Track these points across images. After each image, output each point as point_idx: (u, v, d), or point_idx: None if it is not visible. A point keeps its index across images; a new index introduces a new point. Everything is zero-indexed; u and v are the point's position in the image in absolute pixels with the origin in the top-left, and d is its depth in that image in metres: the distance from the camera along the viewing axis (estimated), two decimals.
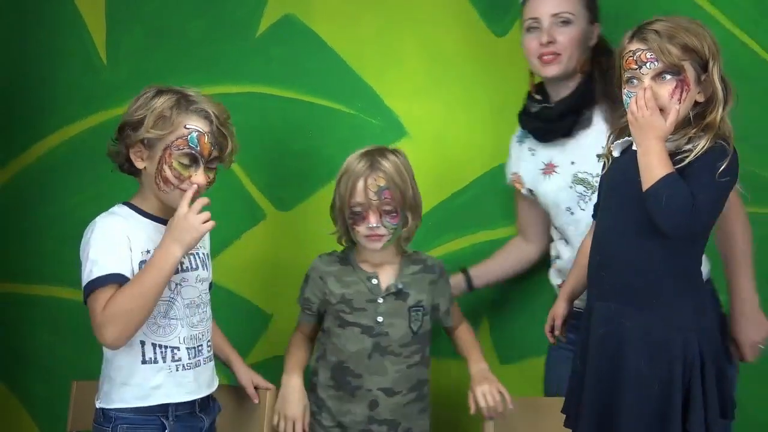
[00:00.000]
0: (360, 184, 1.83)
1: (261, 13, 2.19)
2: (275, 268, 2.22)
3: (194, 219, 1.61)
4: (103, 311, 1.58)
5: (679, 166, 1.59)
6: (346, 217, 1.87)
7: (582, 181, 1.95)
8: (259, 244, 2.22)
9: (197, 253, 1.75)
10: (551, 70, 1.94)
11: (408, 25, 2.19)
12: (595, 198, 1.85)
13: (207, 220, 1.62)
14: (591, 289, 1.72)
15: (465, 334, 2.00)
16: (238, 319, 2.20)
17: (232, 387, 1.92)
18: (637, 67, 1.62)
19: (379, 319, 1.87)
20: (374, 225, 1.83)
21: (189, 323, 1.71)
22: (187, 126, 1.66)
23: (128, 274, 1.62)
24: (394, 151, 1.89)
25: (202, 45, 2.19)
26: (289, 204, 2.21)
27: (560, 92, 1.98)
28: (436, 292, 1.93)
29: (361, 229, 1.85)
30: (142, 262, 1.65)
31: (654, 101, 1.60)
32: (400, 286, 1.89)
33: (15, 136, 2.22)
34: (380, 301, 1.88)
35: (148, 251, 1.66)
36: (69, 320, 2.20)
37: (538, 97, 2.00)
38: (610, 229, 1.68)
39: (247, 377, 1.91)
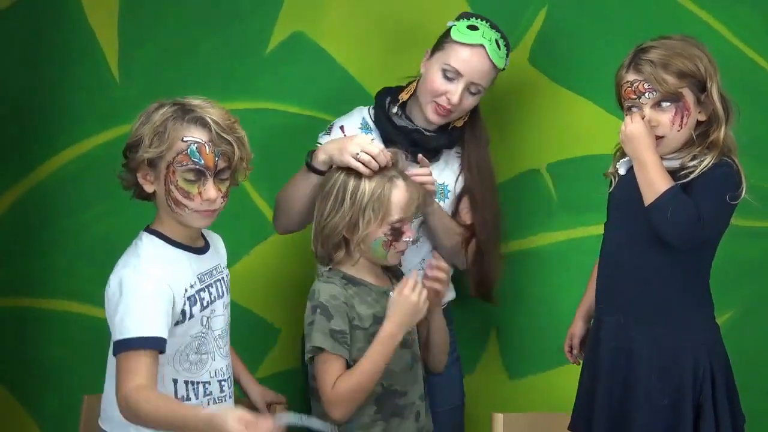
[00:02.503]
0: (403, 199, 1.75)
1: (271, 30, 2.20)
2: (285, 282, 2.22)
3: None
4: (132, 391, 1.44)
5: (683, 181, 1.60)
6: (372, 237, 1.74)
7: None
8: (268, 259, 2.22)
9: (222, 278, 1.68)
10: (437, 120, 1.95)
11: (417, 42, 2.18)
12: (416, 223, 1.89)
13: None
14: (600, 302, 1.73)
15: None
16: (247, 333, 2.17)
17: (243, 402, 1.89)
18: (636, 97, 1.65)
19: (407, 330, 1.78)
20: (411, 237, 1.78)
21: (221, 354, 1.64)
22: (185, 138, 1.53)
23: (165, 335, 1.49)
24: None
25: (213, 62, 2.20)
26: None
27: (427, 123, 1.96)
28: None
29: (400, 245, 1.76)
30: (191, 297, 1.57)
31: (637, 116, 1.61)
32: None
33: (28, 153, 2.23)
34: None
35: (192, 285, 1.57)
36: (81, 335, 2.20)
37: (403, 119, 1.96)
38: (618, 244, 1.70)
39: (259, 395, 1.85)
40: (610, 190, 1.76)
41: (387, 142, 1.95)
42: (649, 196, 1.59)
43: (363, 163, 1.77)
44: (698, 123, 1.66)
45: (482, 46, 1.90)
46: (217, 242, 1.74)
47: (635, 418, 1.61)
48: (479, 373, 2.24)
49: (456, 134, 1.98)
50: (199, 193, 1.54)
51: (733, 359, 1.73)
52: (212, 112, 1.56)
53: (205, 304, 1.61)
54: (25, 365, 2.24)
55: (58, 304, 2.24)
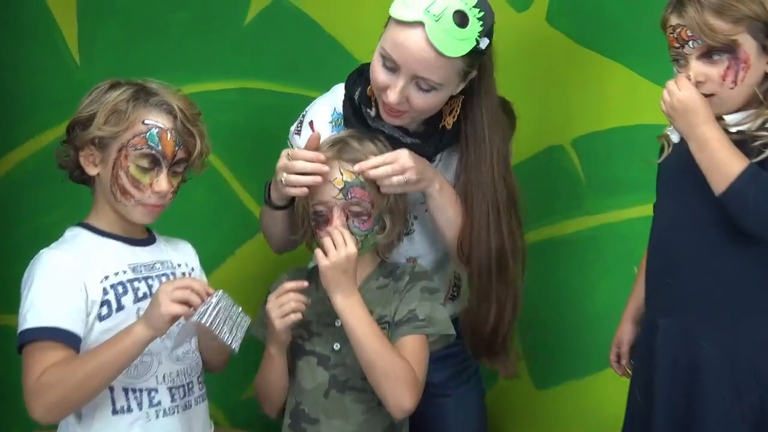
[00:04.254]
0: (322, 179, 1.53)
1: None
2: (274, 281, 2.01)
3: (164, 295, 1.37)
4: (38, 379, 1.37)
5: (759, 158, 1.31)
6: (309, 218, 1.60)
7: None
8: (255, 259, 2.07)
9: (173, 273, 1.57)
10: (394, 122, 1.57)
11: None
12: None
13: (186, 301, 1.37)
14: (652, 301, 1.46)
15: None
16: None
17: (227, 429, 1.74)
18: (679, 45, 1.38)
19: (336, 346, 1.54)
20: (338, 227, 1.52)
21: (171, 357, 1.50)
22: (146, 121, 1.48)
23: (74, 329, 1.41)
24: (374, 138, 1.58)
25: (185, 38, 2.07)
26: None
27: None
28: (401, 300, 1.56)
29: (323, 234, 1.53)
30: (115, 285, 1.47)
31: (685, 80, 1.34)
32: None
33: None
34: (338, 324, 1.52)
35: (116, 273, 1.48)
36: None
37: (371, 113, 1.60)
38: (674, 227, 1.42)
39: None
40: (660, 160, 1.47)
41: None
42: (719, 182, 1.30)
43: (293, 185, 1.52)
44: (766, 77, 1.37)
45: (421, 24, 1.44)
46: (180, 245, 1.65)
47: None
48: (501, 383, 2.05)
49: (449, 138, 1.60)
50: (150, 184, 1.49)
51: None
52: (177, 100, 1.52)
53: (140, 295, 1.49)
54: None
55: None
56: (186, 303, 1.36)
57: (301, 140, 1.69)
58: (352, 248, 1.48)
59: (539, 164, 2.00)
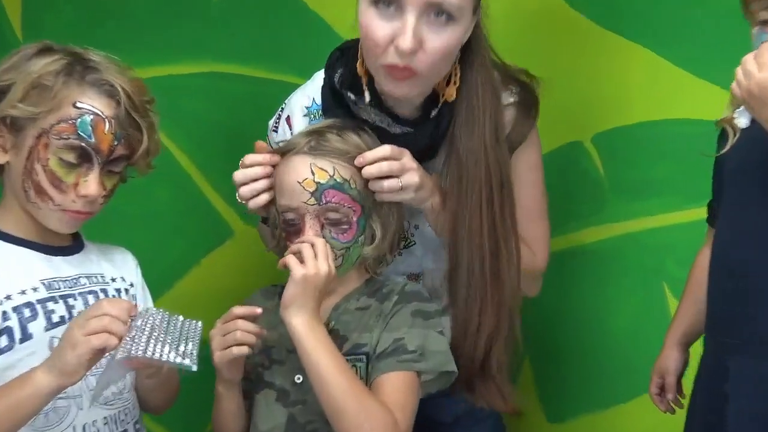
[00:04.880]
0: (290, 180, 1.27)
1: None
2: (245, 297, 1.83)
3: (77, 330, 1.10)
4: None
5: None
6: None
7: None
8: (225, 269, 1.94)
9: (105, 290, 1.30)
10: (400, 91, 1.31)
11: None
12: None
13: (103, 331, 1.10)
14: (719, 334, 1.21)
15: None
16: (200, 362, 1.79)
17: None
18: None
19: (297, 378, 1.28)
20: (310, 240, 1.27)
21: (97, 399, 1.23)
22: (78, 104, 1.20)
23: None
24: (358, 129, 1.33)
25: (148, 14, 1.90)
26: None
27: (401, 104, 1.37)
28: (385, 326, 1.29)
29: (292, 244, 1.26)
30: (20, 308, 1.20)
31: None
32: (332, 324, 1.30)
33: None
34: None
35: (23, 292, 1.21)
36: None
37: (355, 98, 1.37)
38: (745, 238, 1.18)
39: None
40: (722, 152, 1.26)
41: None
42: None
43: (244, 200, 1.32)
44: None
45: None
46: (117, 254, 1.39)
47: None
48: (508, 416, 1.79)
49: (445, 125, 1.36)
50: (75, 185, 1.22)
51: None
52: (124, 81, 1.25)
53: (55, 320, 1.22)
54: None
55: None
56: (107, 333, 1.10)
57: (278, 138, 1.46)
58: (333, 266, 1.23)
59: (555, 163, 1.80)
